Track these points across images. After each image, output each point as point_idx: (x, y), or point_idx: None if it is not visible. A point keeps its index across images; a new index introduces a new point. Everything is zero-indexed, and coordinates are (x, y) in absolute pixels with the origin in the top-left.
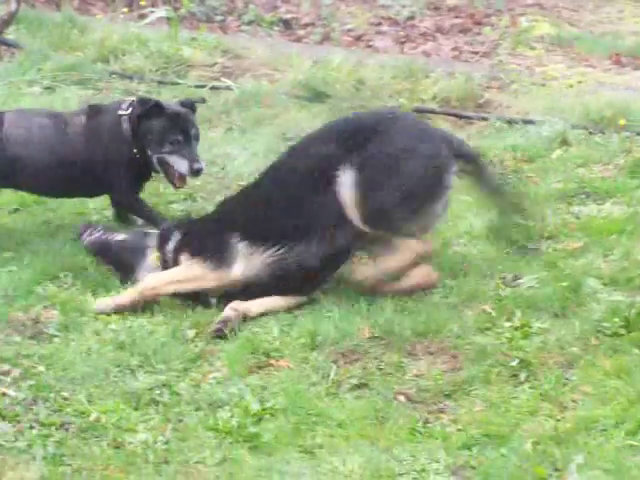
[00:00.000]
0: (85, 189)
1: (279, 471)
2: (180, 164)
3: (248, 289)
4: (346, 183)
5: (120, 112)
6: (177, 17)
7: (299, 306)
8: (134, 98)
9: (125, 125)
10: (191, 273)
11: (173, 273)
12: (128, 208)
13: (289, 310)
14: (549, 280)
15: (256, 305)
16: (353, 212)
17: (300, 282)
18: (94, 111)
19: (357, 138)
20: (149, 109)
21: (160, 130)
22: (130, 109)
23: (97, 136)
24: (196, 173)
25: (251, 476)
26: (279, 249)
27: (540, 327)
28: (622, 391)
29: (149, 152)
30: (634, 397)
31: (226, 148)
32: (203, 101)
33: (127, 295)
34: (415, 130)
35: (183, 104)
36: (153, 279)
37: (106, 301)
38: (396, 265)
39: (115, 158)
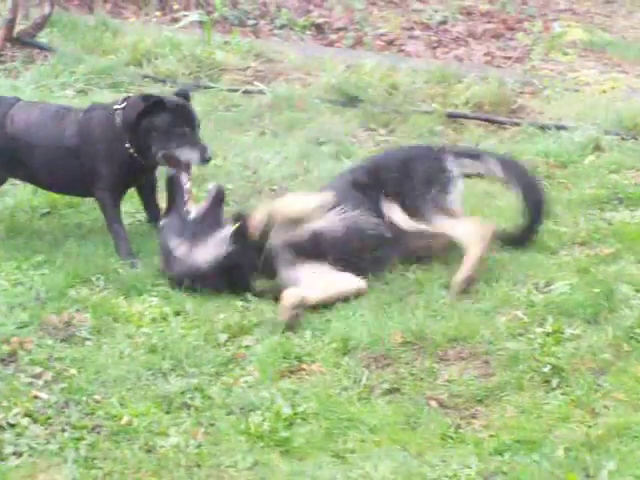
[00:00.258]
0: (77, 184)
1: (311, 476)
2: (191, 155)
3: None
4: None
5: (115, 106)
6: (210, 21)
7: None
8: (131, 94)
9: (118, 119)
10: (290, 198)
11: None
12: (100, 205)
13: (345, 300)
14: (581, 286)
15: (314, 291)
16: (407, 224)
17: (370, 248)
18: (94, 107)
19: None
20: (151, 105)
21: (165, 125)
22: (124, 104)
23: (89, 127)
24: (207, 161)
25: None
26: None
27: (572, 333)
28: None
29: (153, 149)
30: None
31: (259, 152)
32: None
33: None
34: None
35: (178, 94)
36: (266, 207)
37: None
38: (475, 258)
39: (104, 150)
